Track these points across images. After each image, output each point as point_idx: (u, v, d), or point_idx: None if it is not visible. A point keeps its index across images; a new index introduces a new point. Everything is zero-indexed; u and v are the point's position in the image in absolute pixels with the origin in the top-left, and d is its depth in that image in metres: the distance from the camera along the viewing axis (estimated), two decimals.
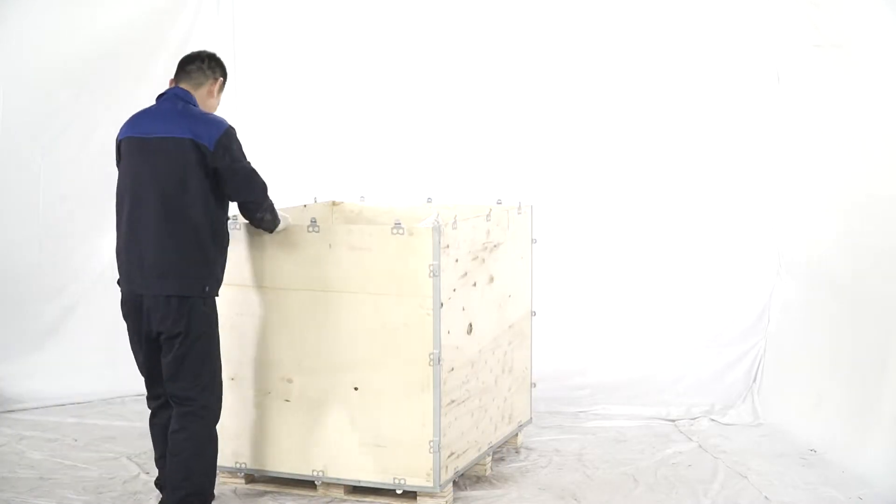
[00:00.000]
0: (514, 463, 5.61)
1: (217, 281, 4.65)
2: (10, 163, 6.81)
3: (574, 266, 6.80)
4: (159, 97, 4.76)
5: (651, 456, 5.72)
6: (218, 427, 4.76)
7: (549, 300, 6.43)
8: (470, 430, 5.15)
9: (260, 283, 5.01)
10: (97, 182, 7.09)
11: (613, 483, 5.30)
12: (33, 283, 6.92)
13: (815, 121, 6.17)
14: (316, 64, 7.21)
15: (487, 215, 5.27)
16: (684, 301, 6.69)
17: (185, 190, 4.50)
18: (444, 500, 4.89)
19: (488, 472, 5.38)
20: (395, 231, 4.78)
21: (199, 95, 4.70)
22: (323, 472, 4.98)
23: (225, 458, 5.11)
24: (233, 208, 4.80)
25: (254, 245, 5.01)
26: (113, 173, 7.04)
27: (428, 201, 6.01)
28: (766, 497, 5.07)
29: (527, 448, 5.84)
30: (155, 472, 5.42)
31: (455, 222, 4.93)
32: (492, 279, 5.33)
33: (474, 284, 5.14)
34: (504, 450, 5.74)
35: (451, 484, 4.96)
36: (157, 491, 5.01)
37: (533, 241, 5.83)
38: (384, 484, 4.90)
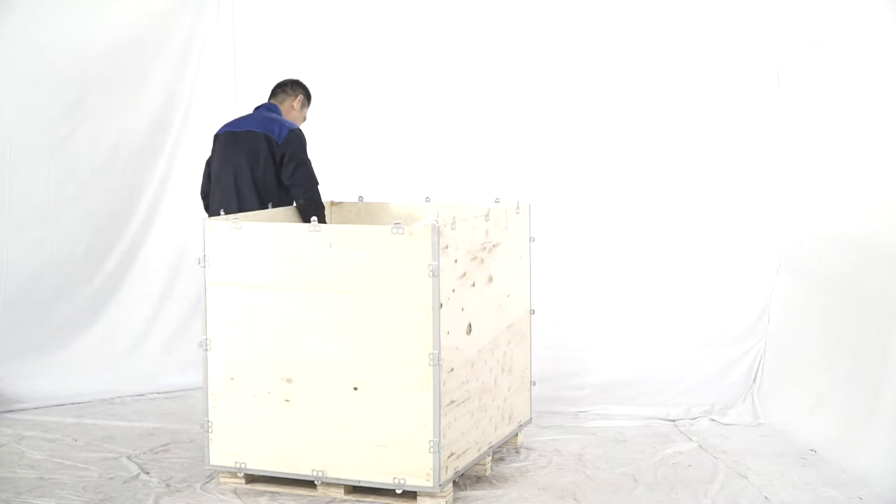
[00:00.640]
0: (514, 463, 5.61)
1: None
2: (18, 164, 6.82)
3: (573, 265, 6.79)
4: (256, 108, 6.20)
5: (651, 456, 5.72)
6: (218, 427, 4.76)
7: (549, 299, 6.43)
8: (470, 431, 5.15)
9: (260, 283, 5.01)
10: (106, 183, 7.12)
11: (613, 483, 5.30)
12: (36, 284, 6.92)
13: (815, 121, 6.17)
14: (316, 65, 7.20)
15: (486, 215, 5.27)
16: (684, 301, 6.69)
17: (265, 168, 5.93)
18: (444, 500, 4.89)
19: (488, 472, 5.38)
20: (394, 231, 4.78)
21: (284, 108, 6.21)
22: (323, 472, 4.98)
23: (225, 458, 5.12)
24: None
25: (254, 245, 5.01)
26: (120, 175, 7.13)
27: (426, 201, 6.01)
28: (766, 497, 5.07)
29: (527, 448, 5.84)
30: (155, 472, 5.44)
31: (454, 222, 4.93)
32: (491, 279, 5.33)
33: (473, 284, 5.14)
34: (504, 450, 5.74)
35: (451, 484, 4.96)
36: (157, 491, 5.03)
37: (531, 240, 5.83)
38: (384, 484, 4.90)
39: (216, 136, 6.12)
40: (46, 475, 5.42)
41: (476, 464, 5.28)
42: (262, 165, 5.90)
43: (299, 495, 5.04)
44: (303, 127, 6.33)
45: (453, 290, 4.91)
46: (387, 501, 4.96)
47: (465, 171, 6.90)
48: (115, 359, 7.07)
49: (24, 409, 6.53)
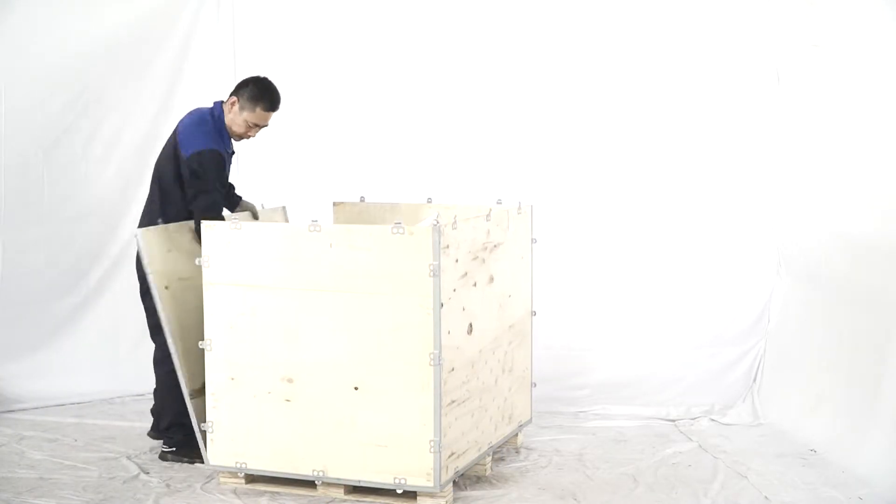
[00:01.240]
0: (514, 463, 5.61)
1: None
2: (13, 164, 6.81)
3: (574, 266, 6.79)
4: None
5: (651, 456, 5.72)
6: (218, 427, 4.76)
7: (549, 300, 6.43)
8: (470, 430, 5.15)
9: (260, 283, 5.01)
10: (101, 183, 7.11)
11: (613, 483, 5.30)
12: (35, 285, 6.92)
13: (815, 121, 6.17)
14: (316, 64, 7.20)
15: (487, 215, 5.27)
16: (684, 301, 6.69)
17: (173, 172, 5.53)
18: (444, 500, 4.89)
19: (488, 472, 5.38)
20: (395, 231, 4.78)
21: (225, 108, 5.58)
22: (323, 472, 4.98)
23: (225, 458, 5.12)
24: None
25: (254, 245, 5.01)
26: (117, 175, 7.13)
27: (428, 201, 6.01)
28: (766, 497, 5.07)
29: (527, 448, 5.84)
30: (155, 472, 5.43)
31: (455, 222, 4.93)
32: (492, 279, 5.33)
33: (474, 284, 5.14)
34: (504, 450, 5.74)
35: (451, 484, 4.96)
36: (157, 491, 5.03)
37: (533, 240, 5.83)
38: (384, 484, 4.90)
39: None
40: (46, 475, 5.42)
41: (476, 464, 5.28)
42: (169, 173, 5.51)
43: (299, 495, 5.04)
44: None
45: (454, 290, 4.91)
46: (387, 501, 4.96)
47: (467, 172, 6.89)
48: (115, 359, 7.06)
49: (24, 409, 6.53)
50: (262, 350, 5.03)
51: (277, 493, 5.08)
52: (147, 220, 5.50)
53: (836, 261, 5.93)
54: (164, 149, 5.65)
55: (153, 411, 5.71)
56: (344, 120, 7.18)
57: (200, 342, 5.14)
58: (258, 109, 5.48)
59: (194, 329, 5.23)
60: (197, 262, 5.12)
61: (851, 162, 5.81)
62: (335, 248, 4.88)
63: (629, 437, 6.07)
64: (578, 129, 6.82)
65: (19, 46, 6.75)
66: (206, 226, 5.08)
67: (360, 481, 4.95)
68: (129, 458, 5.70)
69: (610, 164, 6.78)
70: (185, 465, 5.50)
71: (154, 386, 5.69)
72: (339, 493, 5.00)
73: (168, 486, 5.23)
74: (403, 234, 4.77)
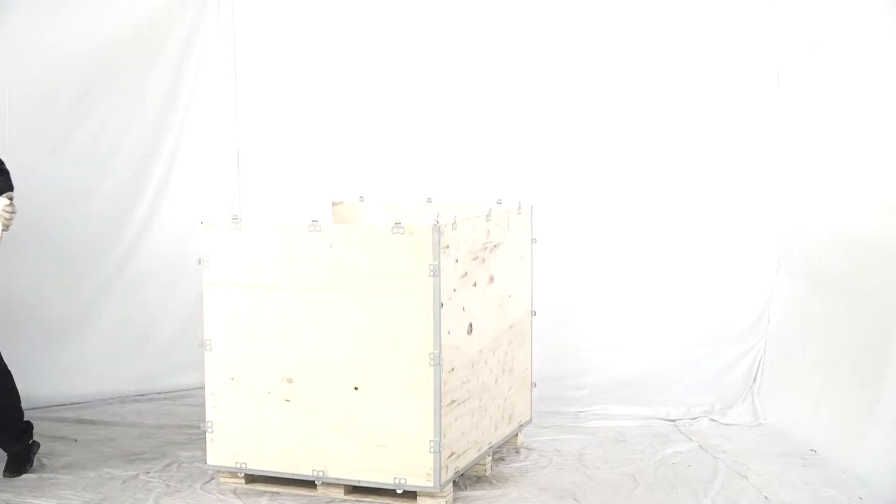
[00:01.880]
0: (514, 463, 5.61)
1: None
2: (17, 164, 6.79)
3: (574, 266, 6.79)
4: None
5: (651, 456, 5.72)
6: (218, 427, 4.76)
7: (549, 300, 6.43)
8: (470, 430, 5.15)
9: (260, 283, 5.00)
10: (105, 183, 7.11)
11: (613, 483, 5.30)
12: (37, 285, 6.91)
13: (815, 121, 6.17)
14: (316, 64, 7.20)
15: (487, 215, 5.26)
16: (684, 301, 6.69)
17: None
18: (444, 500, 4.89)
19: (488, 472, 5.38)
20: (395, 231, 4.78)
21: None
22: (323, 472, 4.98)
23: (225, 458, 5.12)
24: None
25: (254, 245, 5.01)
26: (120, 174, 7.13)
27: (428, 201, 6.01)
28: (766, 497, 5.07)
29: (527, 448, 5.84)
30: (155, 472, 5.43)
31: (455, 222, 4.93)
32: (492, 279, 5.33)
33: (474, 284, 5.14)
34: (504, 450, 5.74)
35: (451, 484, 4.96)
36: (157, 491, 5.02)
37: (533, 240, 5.83)
38: (384, 484, 4.90)
39: None
40: (46, 475, 5.42)
41: (476, 464, 5.27)
42: None
43: (299, 495, 5.04)
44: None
45: (454, 290, 4.91)
46: (387, 501, 4.96)
47: (467, 172, 6.89)
48: (115, 359, 7.06)
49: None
50: (261, 350, 5.03)
51: (277, 493, 5.08)
52: None
53: (836, 261, 5.93)
54: None
55: None
56: (344, 120, 7.18)
57: (200, 342, 5.14)
58: None
59: None
60: (197, 261, 5.10)
61: (851, 162, 5.81)
62: (335, 248, 4.87)
63: (629, 437, 6.06)
64: (578, 129, 6.81)
65: (23, 47, 6.75)
66: (206, 225, 5.08)
67: (360, 481, 4.95)
68: (129, 458, 5.69)
69: (610, 164, 6.78)
70: (185, 465, 5.50)
71: None
72: (339, 493, 5.00)
73: (168, 486, 5.23)
74: (403, 234, 4.77)
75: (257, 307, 5.01)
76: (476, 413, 5.21)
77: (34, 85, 6.81)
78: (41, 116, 6.85)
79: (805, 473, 5.39)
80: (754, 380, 6.55)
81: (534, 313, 5.86)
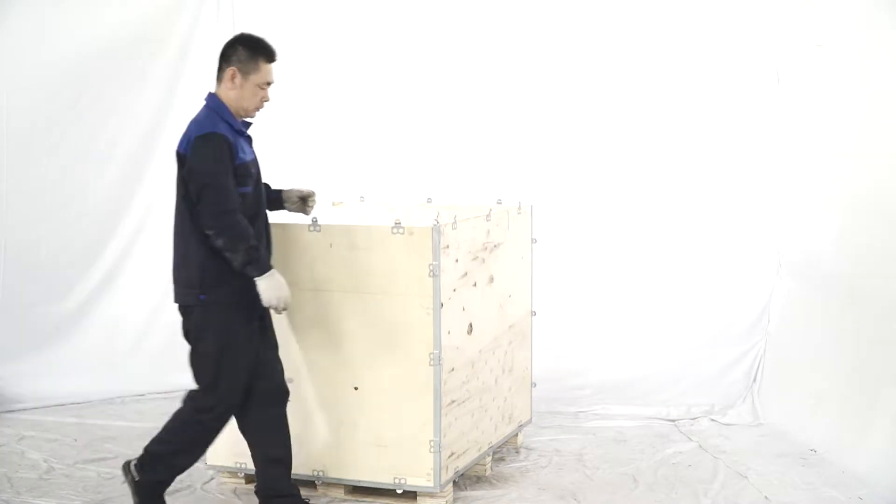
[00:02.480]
0: (514, 463, 5.61)
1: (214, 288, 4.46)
2: (15, 164, 6.81)
3: (574, 266, 6.80)
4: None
5: (651, 456, 5.72)
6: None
7: (549, 300, 6.43)
8: (470, 430, 5.15)
9: None
10: (104, 182, 7.11)
11: (613, 483, 5.30)
12: (36, 285, 6.92)
13: (815, 121, 6.17)
14: (316, 64, 7.20)
15: (487, 215, 5.26)
16: (684, 301, 6.70)
17: (181, 199, 4.47)
18: (444, 500, 4.89)
19: (488, 472, 5.38)
20: (395, 231, 4.78)
21: (221, 91, 4.58)
22: (323, 472, 4.98)
23: (225, 458, 5.12)
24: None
25: None
26: (117, 175, 7.13)
27: (428, 201, 6.01)
28: (766, 497, 5.07)
29: (527, 448, 5.84)
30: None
31: (455, 222, 4.93)
32: (492, 279, 5.33)
33: (474, 284, 5.14)
34: (504, 450, 5.74)
35: (451, 484, 4.96)
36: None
37: (533, 241, 5.83)
38: (384, 484, 4.90)
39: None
40: (46, 475, 5.42)
41: (476, 464, 5.27)
42: (184, 200, 4.44)
43: None
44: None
45: (454, 290, 4.91)
46: (387, 501, 4.96)
47: (468, 172, 6.90)
48: (115, 359, 7.06)
49: (24, 409, 6.53)
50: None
51: None
52: (184, 288, 4.50)
53: (836, 261, 5.93)
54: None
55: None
56: (344, 120, 7.18)
57: None
58: (261, 64, 4.57)
59: None
60: None
61: (851, 162, 5.81)
62: (335, 248, 4.87)
63: (629, 437, 6.06)
64: (578, 130, 6.82)
65: (23, 48, 6.75)
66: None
67: (359, 481, 4.95)
68: (128, 458, 5.69)
69: (610, 164, 6.79)
70: None
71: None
72: (339, 493, 5.00)
73: None
74: (403, 233, 4.77)
75: None
76: (476, 413, 5.20)
77: (32, 85, 6.82)
78: (40, 116, 6.86)
79: (805, 473, 5.39)
80: (754, 380, 6.56)
81: (534, 313, 5.86)
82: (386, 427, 4.87)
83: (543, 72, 6.84)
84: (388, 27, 7.10)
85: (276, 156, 7.23)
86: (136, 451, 5.75)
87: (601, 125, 6.78)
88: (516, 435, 5.79)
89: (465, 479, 5.27)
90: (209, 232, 4.33)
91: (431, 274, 4.74)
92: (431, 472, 4.81)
